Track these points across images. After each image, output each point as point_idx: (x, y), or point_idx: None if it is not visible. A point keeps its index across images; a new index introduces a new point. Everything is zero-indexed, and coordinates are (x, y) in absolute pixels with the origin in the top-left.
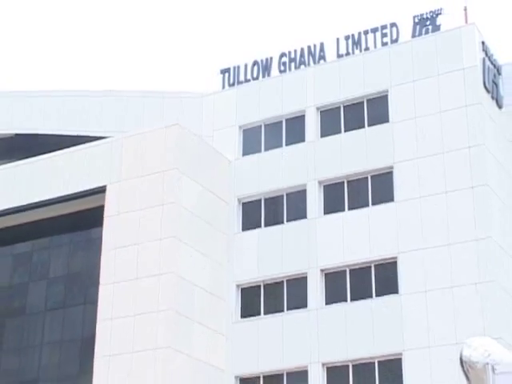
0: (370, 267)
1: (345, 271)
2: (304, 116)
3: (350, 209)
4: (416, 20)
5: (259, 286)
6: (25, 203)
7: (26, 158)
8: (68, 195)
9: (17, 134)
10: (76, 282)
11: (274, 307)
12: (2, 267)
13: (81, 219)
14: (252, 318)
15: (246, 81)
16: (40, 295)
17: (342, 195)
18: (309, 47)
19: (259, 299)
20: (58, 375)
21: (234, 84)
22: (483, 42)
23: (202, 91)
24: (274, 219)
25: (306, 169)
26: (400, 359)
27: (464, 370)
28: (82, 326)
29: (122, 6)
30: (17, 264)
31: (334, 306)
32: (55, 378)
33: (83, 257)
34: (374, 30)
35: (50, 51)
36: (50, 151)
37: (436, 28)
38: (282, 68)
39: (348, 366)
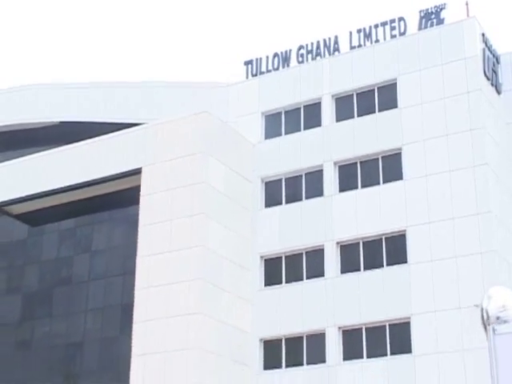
0: (381, 239)
1: (358, 243)
2: (320, 103)
3: (362, 187)
4: (422, 14)
5: (281, 258)
6: (69, 184)
7: (70, 143)
8: (108, 176)
9: (61, 122)
10: (116, 255)
11: (294, 276)
12: (50, 242)
13: (119, 198)
14: (274, 286)
15: (268, 71)
16: (84, 267)
17: (356, 174)
18: (324, 40)
19: (281, 269)
20: (100, 338)
21: (256, 74)
22: (483, 34)
23: (227, 81)
24: (293, 197)
25: (322, 151)
26: (408, 322)
27: (483, 320)
28: (121, 294)
29: (151, 1)
30: (63, 239)
31: (349, 275)
32: (98, 340)
33: (122, 232)
34: (384, 24)
35: (89, 44)
36: (91, 137)
37: (440, 21)
38: (300, 59)
39: (361, 328)
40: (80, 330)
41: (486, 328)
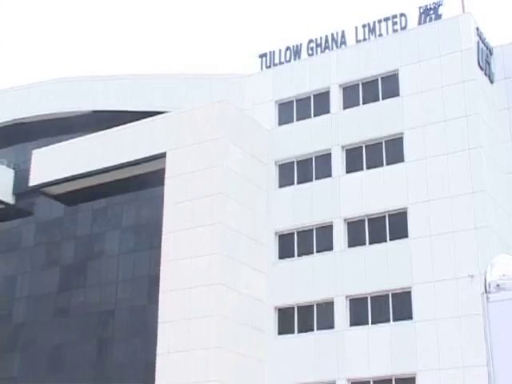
0: (385, 216)
1: (363, 220)
2: (329, 92)
3: (367, 168)
4: (421, 10)
5: (293, 233)
6: (101, 167)
7: (101, 130)
8: (135, 160)
9: (93, 111)
10: (143, 231)
11: (305, 250)
12: (84, 220)
13: (146, 180)
14: (287, 259)
15: (280, 63)
16: (114, 242)
17: (361, 157)
18: (332, 34)
19: (293, 244)
20: (130, 306)
21: (270, 66)
22: (477, 28)
23: (243, 73)
24: (304, 178)
25: (330, 136)
26: (409, 292)
27: (485, 287)
28: (148, 267)
29: None
30: (95, 217)
31: (355, 249)
32: (128, 308)
33: (148, 210)
34: (386, 19)
35: (112, 39)
36: (120, 124)
37: (438, 17)
38: (310, 52)
39: (367, 297)
40: (111, 299)
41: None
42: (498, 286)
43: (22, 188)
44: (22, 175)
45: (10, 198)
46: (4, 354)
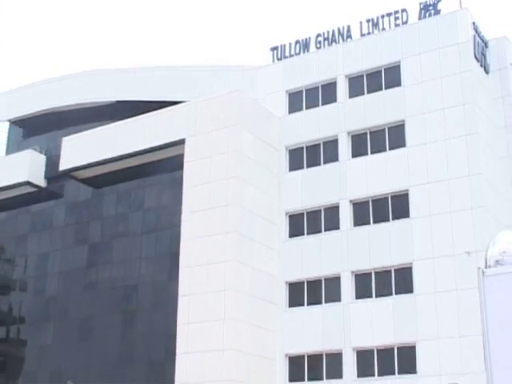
0: (388, 198)
1: (368, 201)
2: (335, 82)
3: (371, 153)
4: (421, 6)
5: (302, 214)
6: (125, 153)
7: (124, 119)
8: (156, 146)
9: (117, 101)
10: (164, 212)
11: (314, 229)
12: (109, 202)
13: (166, 164)
14: (297, 237)
15: (291, 56)
16: (137, 222)
17: (366, 143)
18: (338, 28)
19: (303, 223)
20: (152, 281)
21: (281, 58)
22: (473, 23)
23: (256, 65)
24: (313, 162)
25: (337, 123)
26: (410, 267)
27: (485, 262)
28: (169, 245)
29: None
30: (120, 199)
31: (360, 228)
32: (150, 283)
33: (169, 193)
34: (389, 15)
35: (131, 32)
36: (142, 113)
37: (437, 12)
38: (318, 45)
39: (371, 272)
40: (135, 275)
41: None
42: (497, 261)
43: (52, 172)
44: (53, 160)
45: (42, 182)
46: (39, 324)
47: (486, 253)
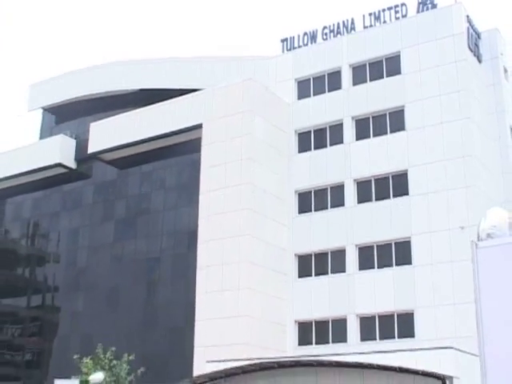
0: (389, 177)
1: (371, 180)
2: (340, 71)
3: (374, 136)
4: (419, 0)
5: (310, 192)
6: (148, 136)
7: (147, 105)
8: (176, 130)
9: (140, 89)
10: (183, 191)
11: (321, 206)
12: (134, 181)
13: (185, 147)
14: (306, 213)
15: (299, 46)
16: (159, 200)
17: (368, 126)
18: (343, 21)
19: (310, 200)
20: (172, 254)
21: (290, 49)
22: (467, 16)
23: (267, 55)
24: (320, 144)
25: (342, 108)
26: (409, 241)
27: (478, 236)
28: (188, 221)
29: None
30: (143, 179)
31: (363, 205)
32: (171, 255)
33: (188, 173)
34: (390, 8)
35: (154, 23)
36: (163, 100)
37: (434, 6)
38: (324, 37)
39: (373, 246)
40: (157, 248)
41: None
42: (488, 235)
43: (82, 155)
44: (82, 144)
45: (72, 164)
46: (71, 293)
47: (478, 227)
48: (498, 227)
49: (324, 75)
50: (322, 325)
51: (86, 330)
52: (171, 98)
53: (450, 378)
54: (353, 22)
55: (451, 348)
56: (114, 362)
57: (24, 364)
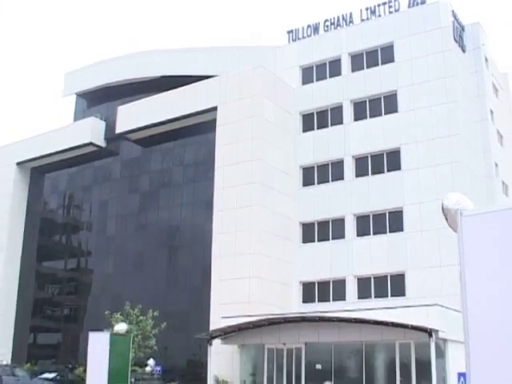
0: (383, 154)
1: (367, 156)
2: (340, 59)
3: (370, 117)
4: None
5: (313, 167)
6: (168, 118)
7: (168, 90)
8: (194, 112)
9: (162, 76)
10: (200, 166)
11: (323, 179)
12: (156, 158)
13: (202, 127)
14: (309, 186)
15: (303, 37)
16: (179, 174)
17: (365, 108)
18: (342, 15)
19: (313, 175)
20: (191, 223)
21: (295, 40)
22: (453, 11)
23: (275, 45)
24: (322, 124)
25: (342, 92)
26: (401, 211)
27: (444, 215)
28: (205, 192)
29: None
30: (165, 156)
31: (361, 178)
32: (190, 224)
33: (204, 150)
34: (384, 3)
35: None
36: (183, 85)
37: (423, 1)
38: (326, 29)
39: (369, 215)
40: (177, 218)
41: (446, 219)
42: (455, 211)
43: (110, 135)
44: (110, 125)
45: (102, 143)
46: (102, 257)
47: (442, 204)
48: (460, 201)
49: (325, 63)
50: (323, 285)
51: (116, 289)
52: (189, 83)
53: (436, 331)
54: (351, 16)
55: (437, 305)
56: (141, 317)
57: (62, 318)
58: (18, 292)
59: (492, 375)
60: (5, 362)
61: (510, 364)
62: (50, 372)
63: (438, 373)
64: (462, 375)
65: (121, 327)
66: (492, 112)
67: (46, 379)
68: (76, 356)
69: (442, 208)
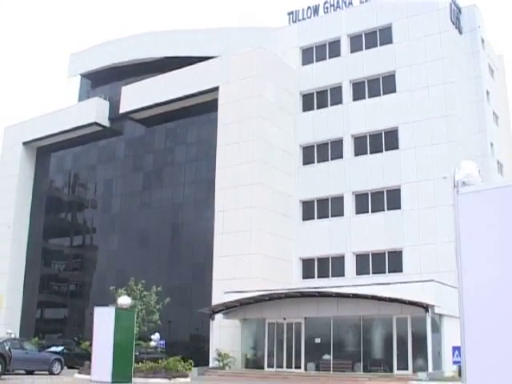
0: (382, 133)
1: (366, 136)
2: (340, 40)
3: (369, 97)
4: None
5: (313, 146)
6: (171, 98)
7: (171, 71)
8: (196, 92)
9: (165, 57)
10: (203, 145)
11: (322, 158)
12: (159, 137)
13: (205, 107)
14: (309, 165)
15: (303, 19)
16: (182, 153)
17: (364, 88)
18: None
19: (313, 153)
20: (194, 200)
21: (295, 21)
22: None
23: (275, 26)
24: (322, 104)
25: (341, 72)
26: (399, 189)
27: (454, 185)
28: (207, 171)
29: None
30: (168, 135)
31: (360, 157)
32: (192, 201)
33: (206, 130)
34: None
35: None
36: (185, 66)
37: None
38: (326, 10)
39: (368, 193)
40: (180, 195)
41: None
42: (463, 183)
43: (114, 114)
44: (114, 105)
45: (106, 122)
46: (107, 235)
47: (454, 177)
48: (471, 175)
49: (325, 44)
50: (322, 261)
51: (120, 265)
52: (192, 64)
53: (432, 306)
54: None
55: (433, 281)
56: (145, 292)
57: (69, 293)
58: (26, 268)
59: (486, 349)
60: (13, 336)
61: (503, 338)
62: (57, 346)
63: (433, 346)
64: (456, 349)
65: (124, 301)
66: (488, 93)
67: (54, 352)
68: (82, 330)
69: (454, 178)
